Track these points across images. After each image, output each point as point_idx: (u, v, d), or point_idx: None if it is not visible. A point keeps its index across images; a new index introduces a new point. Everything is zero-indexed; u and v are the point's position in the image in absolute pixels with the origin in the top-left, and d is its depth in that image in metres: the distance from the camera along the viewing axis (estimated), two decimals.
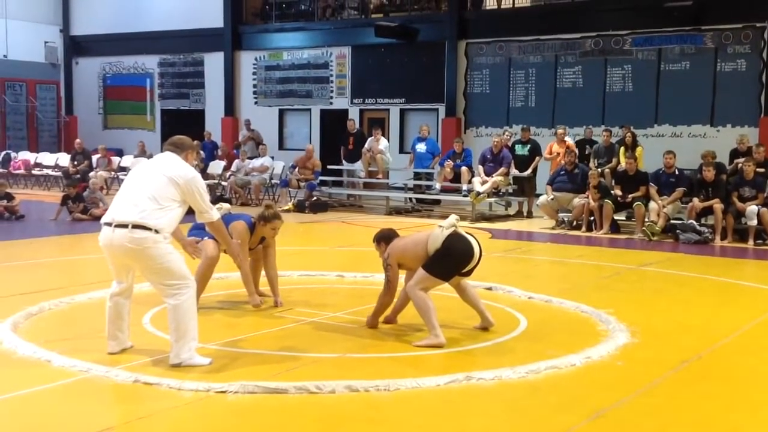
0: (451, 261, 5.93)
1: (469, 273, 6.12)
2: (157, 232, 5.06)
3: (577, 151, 14.26)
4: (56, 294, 7.25)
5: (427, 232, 6.11)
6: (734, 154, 13.45)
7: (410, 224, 13.80)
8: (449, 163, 15.19)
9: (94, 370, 5.01)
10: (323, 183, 16.91)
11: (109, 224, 5.15)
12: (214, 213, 5.39)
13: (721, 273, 9.36)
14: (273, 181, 17.50)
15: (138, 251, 5.05)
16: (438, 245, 5.91)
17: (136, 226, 5.03)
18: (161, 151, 5.59)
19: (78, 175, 17.78)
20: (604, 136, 14.60)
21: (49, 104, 25.58)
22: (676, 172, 12.57)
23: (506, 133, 15.81)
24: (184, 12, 22.57)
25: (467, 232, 6.09)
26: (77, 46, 25.14)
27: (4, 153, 22.28)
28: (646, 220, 12.23)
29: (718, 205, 11.76)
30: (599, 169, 13.50)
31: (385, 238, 6.37)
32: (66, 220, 13.47)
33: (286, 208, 15.61)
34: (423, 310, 5.89)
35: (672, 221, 12.22)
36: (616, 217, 12.75)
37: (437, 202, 16.26)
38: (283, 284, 7.65)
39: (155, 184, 5.15)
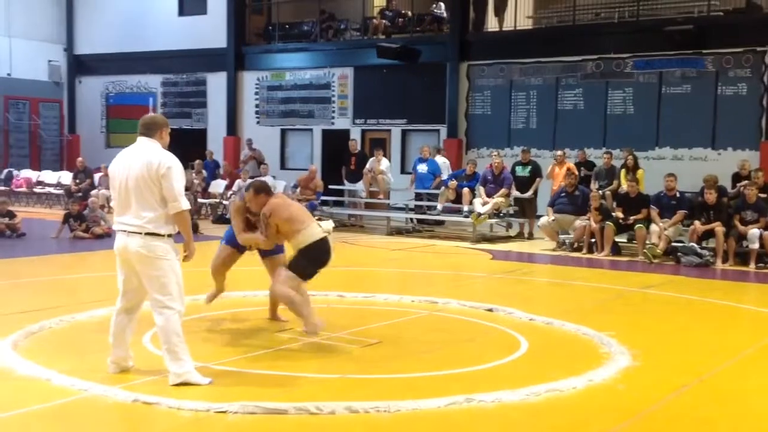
0: (314, 263, 6.48)
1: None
2: (169, 236, 5.20)
3: (577, 173, 14.28)
4: (57, 312, 7.24)
5: (305, 216, 6.49)
6: (736, 177, 13.48)
7: (412, 245, 13.81)
8: (453, 183, 15.22)
9: (93, 389, 5.00)
10: (324, 203, 16.92)
11: (123, 231, 5.23)
12: (182, 202, 5.22)
13: (723, 296, 9.34)
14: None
15: (148, 258, 5.14)
16: (308, 242, 6.37)
17: (149, 234, 5.15)
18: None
19: (80, 194, 17.80)
20: (605, 158, 14.63)
21: (52, 122, 25.64)
22: (678, 195, 12.58)
23: (493, 154, 15.72)
24: (188, 32, 22.68)
25: (327, 232, 6.56)
26: (81, 65, 25.26)
27: (6, 171, 22.34)
28: (648, 242, 12.23)
29: (719, 228, 11.76)
30: (600, 191, 13.52)
31: (266, 190, 6.61)
32: (67, 238, 13.47)
33: None
34: (290, 303, 6.35)
35: (673, 244, 12.22)
36: (617, 240, 12.75)
37: (439, 222, 16.26)
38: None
39: (151, 188, 5.16)
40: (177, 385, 5.09)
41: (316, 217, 7.30)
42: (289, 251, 6.71)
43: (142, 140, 5.34)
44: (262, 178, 7.07)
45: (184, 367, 5.17)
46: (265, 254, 7.01)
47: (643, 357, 6.13)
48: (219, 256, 7.17)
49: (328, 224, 6.63)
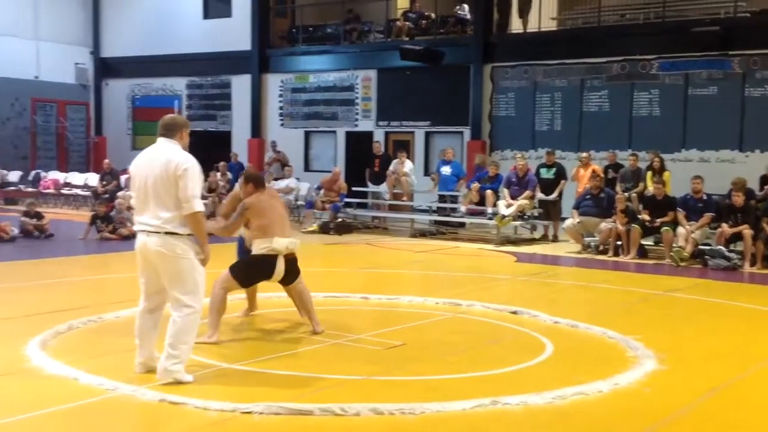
0: (253, 275, 6.60)
1: (286, 282, 6.71)
2: (189, 235, 5.22)
3: (603, 175, 14.19)
4: (84, 312, 7.31)
5: (277, 228, 6.47)
6: (764, 180, 13.33)
7: (436, 247, 13.79)
8: (476, 185, 15.18)
9: (120, 388, 5.04)
10: (348, 205, 16.95)
11: (143, 231, 5.26)
12: (196, 204, 5.20)
13: (751, 300, 9.23)
14: (298, 203, 17.56)
15: (168, 256, 5.17)
16: (260, 253, 6.44)
17: (168, 233, 5.17)
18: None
19: (106, 195, 17.96)
20: (630, 160, 14.54)
21: (79, 125, 25.89)
22: (704, 198, 12.47)
23: (517, 156, 15.70)
24: (213, 35, 22.83)
25: (289, 251, 6.53)
26: (107, 68, 25.50)
27: (34, 172, 22.57)
28: (674, 245, 12.12)
29: (747, 230, 11.64)
30: (626, 194, 13.43)
31: (255, 180, 6.74)
32: (94, 239, 13.59)
33: (311, 229, 15.67)
34: (213, 309, 6.36)
35: (700, 247, 12.11)
36: (643, 242, 12.65)
37: (462, 224, 16.23)
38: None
39: (169, 189, 5.18)
40: (169, 383, 5.12)
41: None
42: None
43: (162, 141, 5.37)
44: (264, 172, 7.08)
45: (177, 365, 5.20)
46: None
47: (670, 360, 6.09)
48: None
49: (282, 243, 6.47)
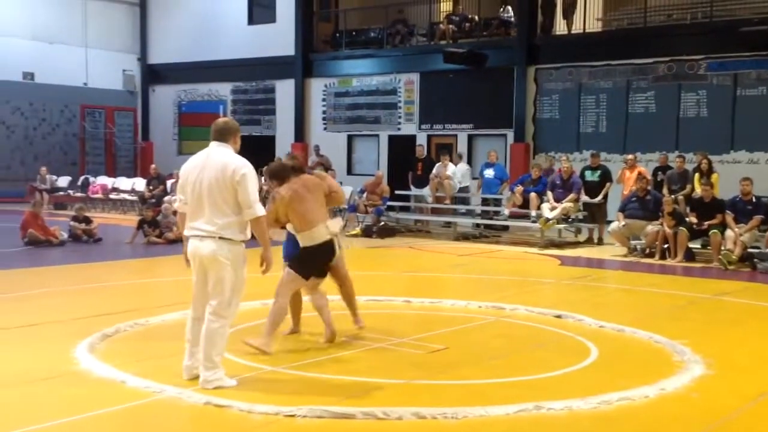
0: (313, 265, 6.44)
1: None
2: (242, 242, 5.21)
3: (649, 177, 13.99)
4: (131, 316, 7.42)
5: (316, 215, 6.33)
6: None
7: (478, 250, 13.74)
8: (519, 188, 15.09)
9: (167, 391, 5.11)
10: (390, 208, 16.97)
11: (196, 236, 5.23)
12: (258, 208, 5.17)
13: None
14: (341, 206, 17.61)
15: (219, 261, 5.15)
16: (311, 244, 6.32)
17: (222, 239, 5.15)
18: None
19: (153, 200, 18.22)
20: (677, 162, 14.33)
21: (126, 130, 26.35)
22: (753, 200, 12.23)
23: (562, 158, 15.54)
24: (257, 41, 23.06)
25: (333, 234, 6.47)
26: (154, 74, 25.91)
27: (83, 178, 23.02)
28: (723, 248, 11.92)
29: None
30: (673, 196, 13.24)
31: (277, 175, 6.54)
32: (141, 244, 13.80)
33: (354, 232, 15.72)
34: (273, 317, 6.19)
35: (749, 250, 11.88)
36: (690, 245, 12.46)
37: (505, 228, 16.14)
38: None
39: (224, 194, 5.14)
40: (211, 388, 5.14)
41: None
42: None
43: (215, 145, 5.33)
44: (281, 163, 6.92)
45: (217, 374, 5.21)
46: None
47: (718, 366, 5.98)
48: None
49: (335, 225, 6.53)
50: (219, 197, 5.16)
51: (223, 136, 5.35)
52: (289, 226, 6.60)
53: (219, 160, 5.21)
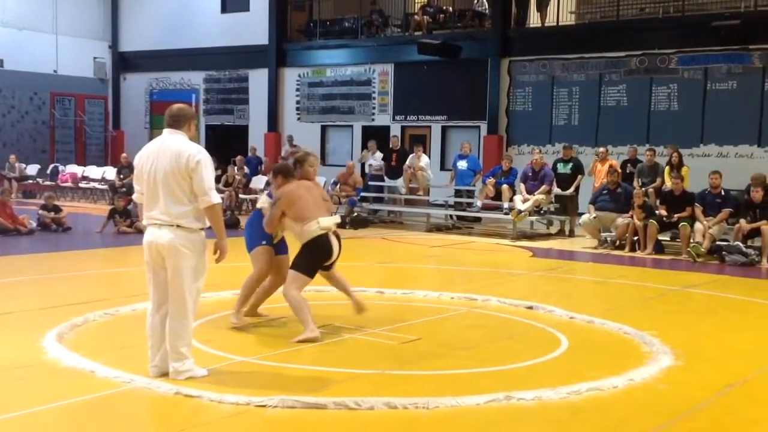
0: (314, 261, 6.53)
1: (330, 267, 6.73)
2: (201, 230, 5.14)
3: (620, 170, 14.10)
4: (101, 305, 7.36)
5: (311, 211, 6.48)
6: None
7: (451, 241, 13.78)
8: (491, 180, 15.14)
9: (136, 381, 5.07)
10: (364, 199, 16.95)
11: (153, 225, 5.16)
12: (213, 196, 5.08)
13: None
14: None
15: (178, 250, 5.07)
16: (307, 238, 6.43)
17: (180, 227, 5.08)
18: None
19: (123, 189, 18.06)
20: (647, 155, 14.45)
21: (97, 118, 26.06)
22: (722, 193, 12.37)
23: (534, 151, 15.59)
24: (230, 29, 22.89)
25: (333, 231, 6.63)
26: (125, 62, 25.63)
27: (52, 166, 22.74)
28: (692, 241, 12.05)
29: (766, 226, 11.55)
30: (643, 189, 13.35)
31: (283, 171, 6.85)
32: (111, 233, 13.67)
33: None
34: (298, 310, 6.35)
35: (718, 242, 12.02)
36: (660, 238, 12.58)
37: (478, 219, 16.20)
38: (323, 299, 7.70)
39: (180, 182, 5.04)
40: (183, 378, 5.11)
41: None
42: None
43: (168, 132, 5.19)
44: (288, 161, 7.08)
45: (186, 364, 5.16)
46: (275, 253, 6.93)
47: (686, 357, 6.05)
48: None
49: (327, 221, 6.58)
50: (175, 185, 5.05)
51: (177, 123, 5.21)
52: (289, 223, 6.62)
53: (173, 148, 5.09)
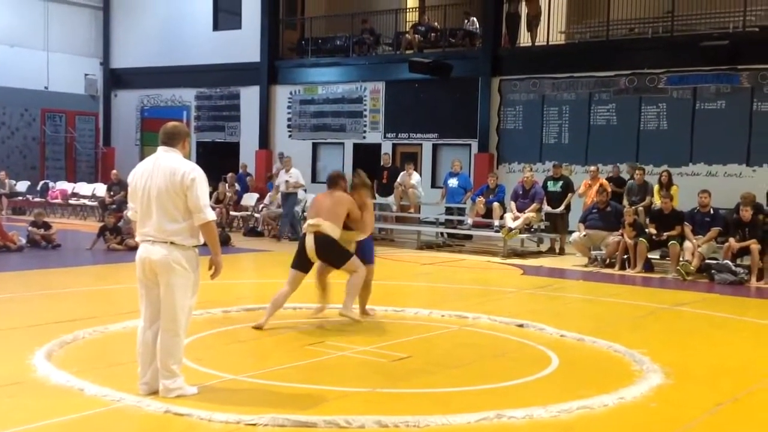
0: (296, 252, 7.56)
1: (311, 265, 7.59)
2: (194, 247, 5.15)
3: (610, 189, 14.16)
4: (91, 323, 7.32)
5: (313, 212, 7.62)
6: None
7: (442, 259, 13.79)
8: (480, 199, 15.18)
9: (126, 399, 5.04)
10: None
11: (146, 241, 5.15)
12: (208, 213, 5.08)
13: (757, 315, 9.21)
14: (305, 214, 17.54)
15: (171, 267, 5.06)
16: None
17: (173, 244, 5.08)
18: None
19: (114, 206, 18.02)
20: (637, 174, 14.52)
21: (88, 135, 26.04)
22: (711, 212, 12.44)
23: (525, 168, 15.67)
24: (222, 47, 22.95)
25: (316, 232, 7.36)
26: (116, 79, 25.64)
27: (42, 182, 22.67)
28: (681, 259, 12.10)
29: (755, 245, 11.61)
30: (633, 207, 13.42)
31: (329, 182, 7.88)
32: (101, 250, 13.63)
33: None
34: (272, 300, 7.37)
35: (707, 261, 12.08)
36: (650, 256, 12.63)
37: (469, 237, 16.22)
38: (314, 317, 7.68)
39: (174, 199, 5.05)
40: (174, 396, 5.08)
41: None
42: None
43: (162, 150, 5.21)
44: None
45: (177, 381, 5.14)
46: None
47: (676, 375, 6.06)
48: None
49: (316, 221, 7.42)
50: (169, 203, 5.06)
51: (171, 140, 5.23)
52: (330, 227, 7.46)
53: (167, 166, 5.10)
